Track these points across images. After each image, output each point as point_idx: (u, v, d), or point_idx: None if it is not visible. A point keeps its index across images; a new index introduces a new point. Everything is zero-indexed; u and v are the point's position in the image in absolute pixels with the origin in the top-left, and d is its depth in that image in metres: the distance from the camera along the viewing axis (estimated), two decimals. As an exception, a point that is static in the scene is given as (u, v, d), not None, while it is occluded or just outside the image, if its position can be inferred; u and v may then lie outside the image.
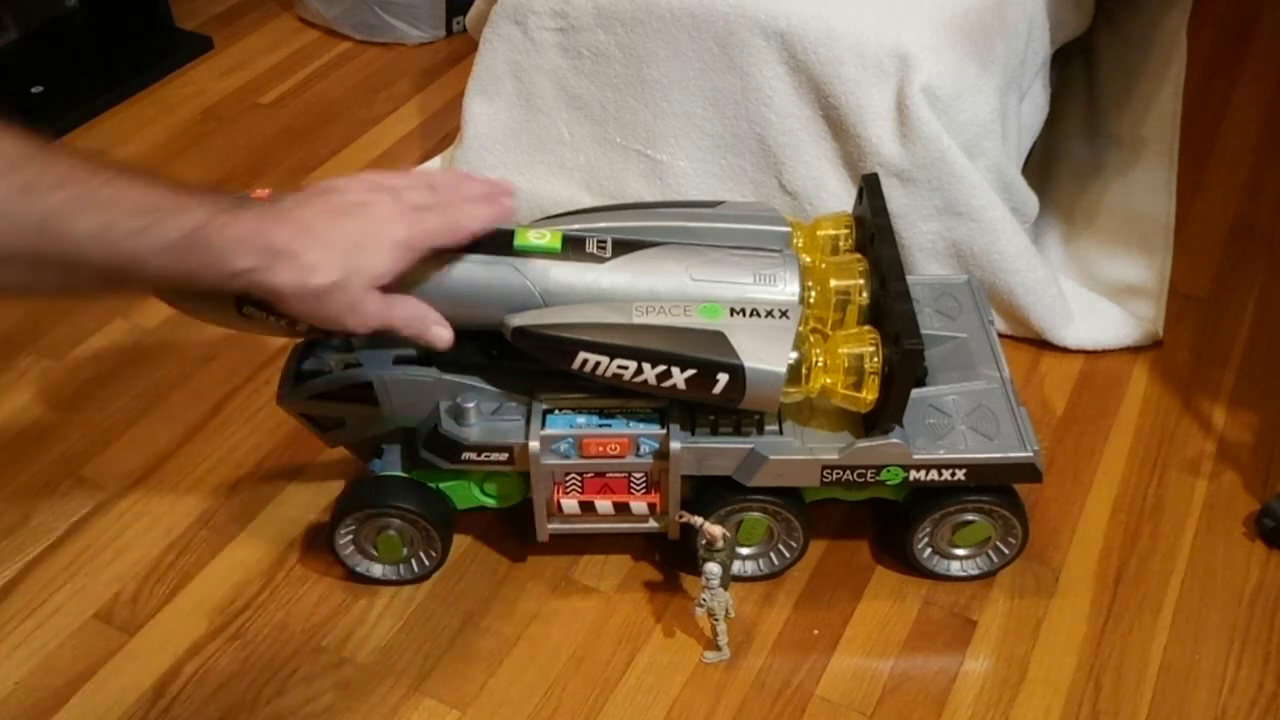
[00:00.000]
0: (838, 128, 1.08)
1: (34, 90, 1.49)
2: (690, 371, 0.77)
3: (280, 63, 1.59)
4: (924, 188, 1.06)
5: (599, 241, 0.82)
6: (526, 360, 0.80)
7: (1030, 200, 1.14)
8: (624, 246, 0.82)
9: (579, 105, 1.19)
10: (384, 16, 1.60)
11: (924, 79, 1.03)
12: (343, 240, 0.67)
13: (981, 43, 1.08)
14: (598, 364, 0.78)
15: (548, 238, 0.81)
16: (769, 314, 0.79)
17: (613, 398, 0.85)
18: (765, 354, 0.77)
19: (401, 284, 0.78)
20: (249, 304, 0.77)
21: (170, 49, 1.60)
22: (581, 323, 0.78)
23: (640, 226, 0.85)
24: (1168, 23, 1.51)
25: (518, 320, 0.79)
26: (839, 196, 1.10)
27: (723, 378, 0.77)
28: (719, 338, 0.77)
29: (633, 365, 0.78)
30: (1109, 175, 1.32)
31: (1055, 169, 1.33)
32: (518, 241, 0.80)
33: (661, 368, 0.77)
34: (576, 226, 0.84)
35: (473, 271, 0.79)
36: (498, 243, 0.80)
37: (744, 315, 0.78)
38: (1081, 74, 1.47)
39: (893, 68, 1.04)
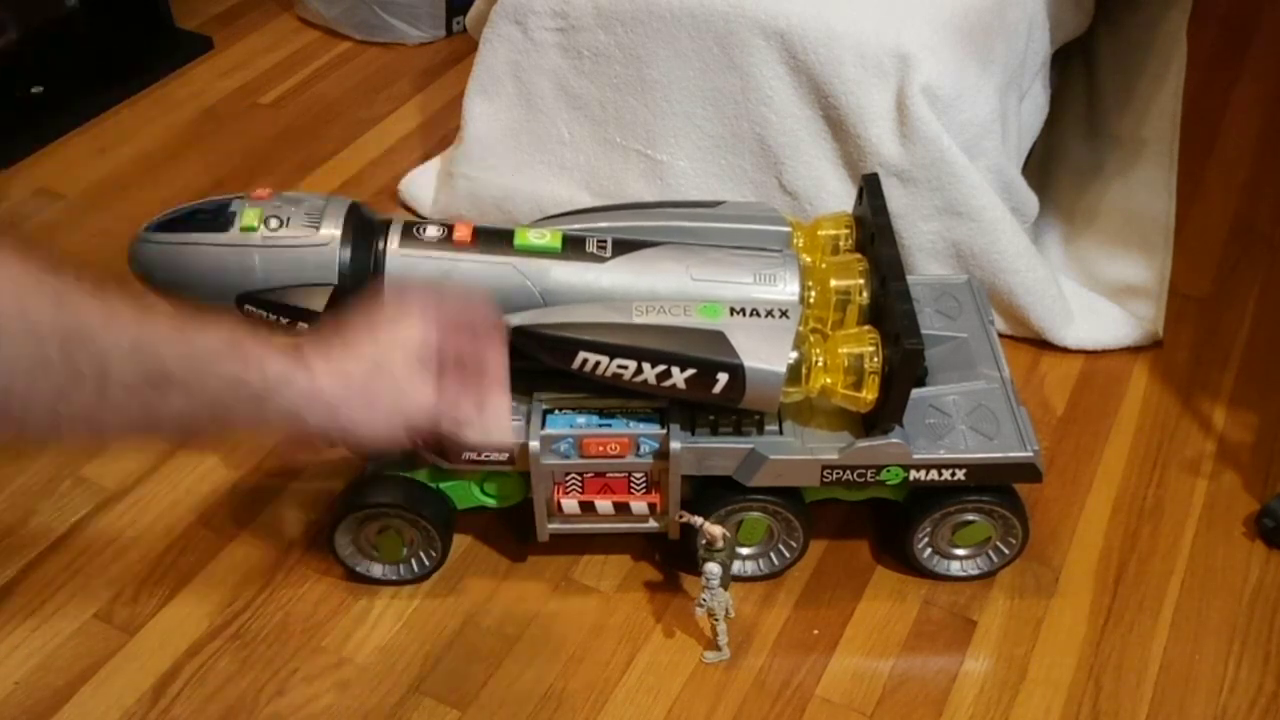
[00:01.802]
0: (838, 128, 1.08)
1: (34, 90, 1.49)
2: (690, 371, 0.77)
3: (280, 63, 1.59)
4: (924, 188, 1.06)
5: (599, 241, 0.82)
6: (526, 359, 0.80)
7: (1030, 200, 1.14)
8: (624, 246, 0.82)
9: (579, 105, 1.19)
10: (384, 16, 1.60)
11: (924, 79, 1.03)
12: (381, 406, 0.65)
13: (981, 43, 1.08)
14: (598, 363, 0.78)
15: (548, 237, 0.81)
16: (769, 314, 0.79)
17: (613, 398, 0.85)
18: (765, 354, 0.77)
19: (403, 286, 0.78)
20: (249, 303, 0.77)
21: (170, 49, 1.60)
22: (581, 322, 0.78)
23: (640, 226, 0.85)
24: (1168, 23, 1.51)
25: (517, 320, 0.79)
26: (839, 196, 1.10)
27: (722, 377, 0.77)
28: (719, 337, 0.77)
29: (632, 365, 0.78)
30: (1109, 175, 1.32)
31: (1055, 169, 1.33)
32: (518, 241, 0.80)
33: (661, 367, 0.77)
34: (576, 226, 0.84)
35: (472, 271, 0.79)
36: (498, 242, 0.80)
37: (744, 315, 0.78)
38: (1081, 74, 1.47)
39: (893, 68, 1.04)
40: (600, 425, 0.84)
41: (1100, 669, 0.87)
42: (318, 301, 0.77)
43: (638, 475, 0.86)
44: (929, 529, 0.89)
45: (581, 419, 0.84)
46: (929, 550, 0.91)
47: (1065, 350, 1.13)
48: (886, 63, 1.04)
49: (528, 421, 0.84)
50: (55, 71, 1.53)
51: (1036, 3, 1.19)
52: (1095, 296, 1.16)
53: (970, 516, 0.88)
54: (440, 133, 1.44)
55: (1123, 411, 1.07)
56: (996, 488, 0.86)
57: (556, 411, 0.84)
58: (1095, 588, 0.92)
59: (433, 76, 1.56)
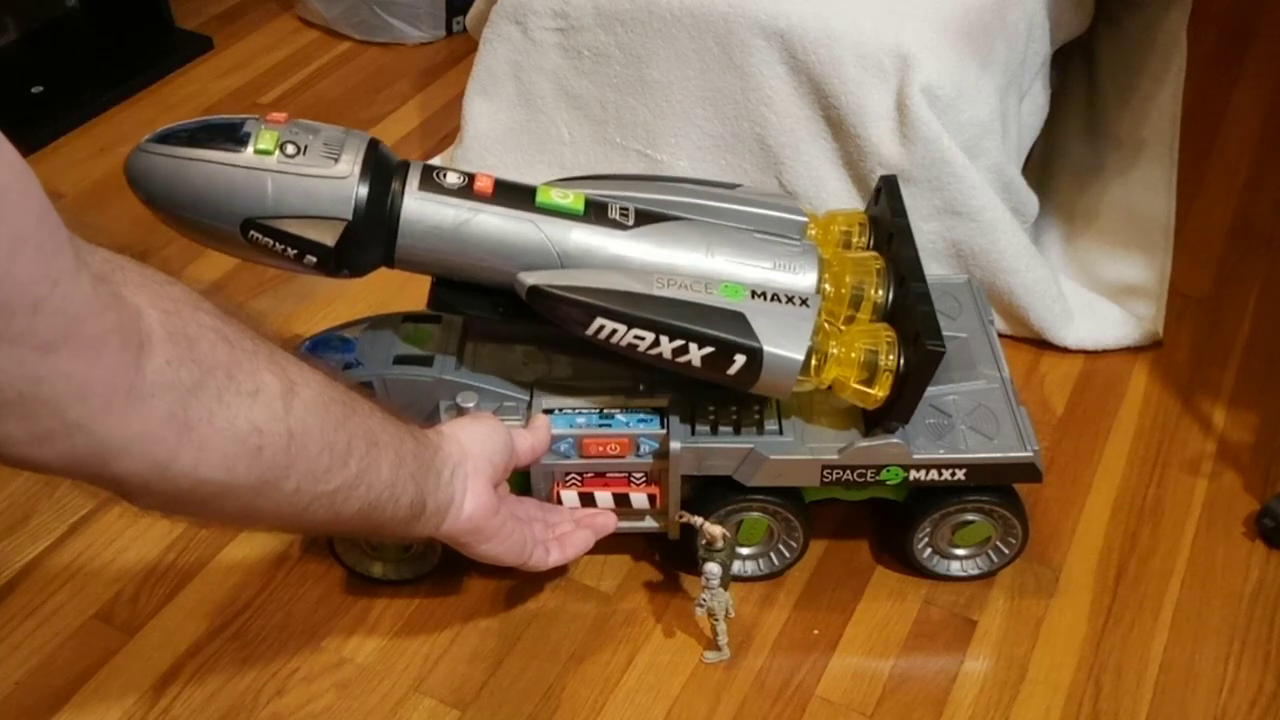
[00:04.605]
0: (838, 128, 1.08)
1: (34, 90, 1.49)
2: (708, 349, 0.76)
3: (280, 63, 1.59)
4: (924, 188, 1.06)
5: (621, 209, 0.80)
6: (533, 319, 0.79)
7: (1030, 200, 1.14)
8: (646, 217, 0.80)
9: (579, 105, 1.19)
10: (384, 16, 1.60)
11: (924, 79, 1.03)
12: (510, 547, 0.79)
13: (981, 43, 1.08)
14: (614, 331, 0.76)
15: (570, 199, 0.79)
16: (789, 300, 0.78)
17: (613, 396, 0.85)
18: (784, 340, 0.76)
19: (419, 234, 0.77)
20: (255, 229, 0.73)
21: (170, 49, 1.60)
22: (602, 288, 0.76)
23: (659, 199, 0.84)
24: (1168, 23, 1.51)
25: (533, 279, 0.77)
26: (839, 196, 1.10)
27: (740, 359, 0.76)
28: (739, 319, 0.76)
29: (650, 337, 0.76)
30: (1109, 175, 1.32)
31: (1055, 169, 1.33)
32: (540, 199, 0.79)
33: (679, 342, 0.76)
34: (595, 192, 0.82)
35: (491, 223, 0.77)
36: (520, 197, 0.78)
37: (765, 299, 0.78)
38: (1081, 74, 1.47)
39: (893, 68, 1.04)
40: (600, 425, 0.84)
41: (1100, 669, 0.87)
42: (329, 236, 0.74)
43: (638, 475, 0.86)
44: (929, 529, 0.89)
45: (581, 419, 0.84)
46: (929, 550, 0.91)
47: (1065, 350, 1.12)
48: (886, 63, 1.04)
49: (528, 423, 0.84)
50: (55, 71, 1.53)
51: (1036, 3, 1.19)
52: (1095, 296, 1.16)
53: (970, 516, 0.88)
54: (440, 133, 1.44)
55: (1123, 411, 1.07)
56: (996, 488, 0.86)
57: (557, 412, 0.84)
58: (1095, 588, 0.92)
59: (433, 76, 1.56)
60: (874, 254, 0.87)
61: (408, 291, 1.18)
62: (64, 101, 1.48)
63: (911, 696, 0.85)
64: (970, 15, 1.09)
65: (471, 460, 0.75)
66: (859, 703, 0.85)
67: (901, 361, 0.79)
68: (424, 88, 1.54)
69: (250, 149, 0.72)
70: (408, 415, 0.77)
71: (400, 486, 0.68)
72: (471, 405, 0.83)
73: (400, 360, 0.85)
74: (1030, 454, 0.83)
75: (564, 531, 0.84)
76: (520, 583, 0.93)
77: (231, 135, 0.73)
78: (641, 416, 0.84)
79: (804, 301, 0.78)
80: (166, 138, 0.73)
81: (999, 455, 0.83)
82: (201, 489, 0.55)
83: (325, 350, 0.86)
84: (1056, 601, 0.91)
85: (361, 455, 0.64)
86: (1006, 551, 0.90)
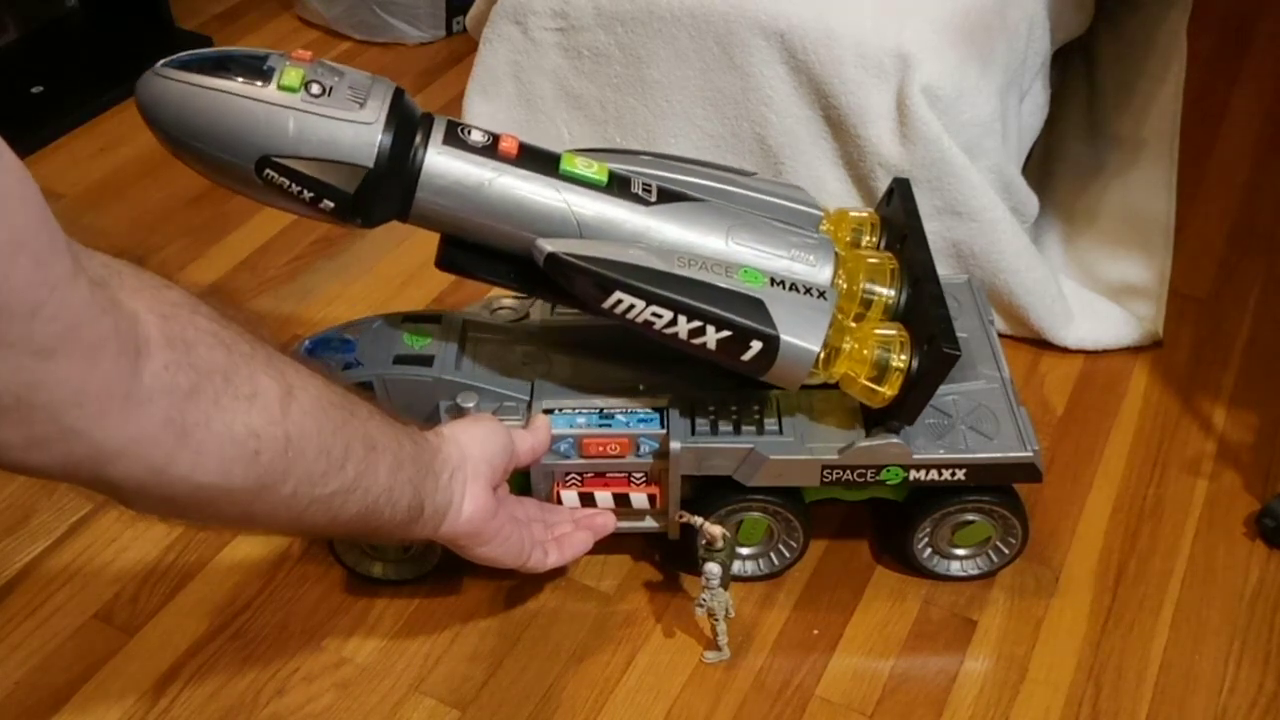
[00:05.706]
0: (838, 128, 1.08)
1: (34, 90, 1.49)
2: (725, 333, 0.76)
3: (280, 63, 1.59)
4: (924, 188, 1.06)
5: (644, 184, 0.80)
6: (542, 285, 0.79)
7: (1030, 200, 1.14)
8: (668, 195, 0.80)
9: (579, 105, 1.19)
10: (384, 16, 1.60)
11: (924, 79, 1.03)
12: (508, 550, 0.80)
13: (982, 43, 1.08)
14: (631, 306, 0.75)
15: (594, 169, 0.78)
16: (807, 291, 0.78)
17: (613, 396, 0.85)
18: (801, 330, 0.76)
19: (439, 189, 0.76)
20: (271, 167, 0.71)
21: (170, 49, 1.57)
22: (624, 262, 0.75)
23: (677, 179, 0.83)
24: (1168, 23, 1.51)
25: (552, 246, 0.76)
26: (839, 196, 1.10)
27: (756, 345, 0.76)
28: (758, 305, 0.76)
29: (668, 315, 0.76)
30: (1109, 175, 1.32)
31: (1055, 169, 1.33)
32: (564, 166, 0.78)
33: (697, 323, 0.76)
34: (616, 166, 0.82)
35: (513, 185, 0.76)
36: (543, 163, 0.78)
37: (784, 288, 0.77)
38: (1081, 74, 1.47)
39: (893, 68, 1.04)
40: (600, 425, 0.84)
41: (1100, 669, 0.87)
42: (347, 182, 0.72)
43: (637, 475, 0.86)
44: (929, 529, 0.89)
45: (581, 419, 0.84)
46: (929, 550, 0.91)
47: (1065, 350, 1.12)
48: (887, 63, 1.04)
49: (528, 423, 0.84)
50: (55, 71, 1.53)
51: (1037, 3, 1.19)
52: (1095, 296, 1.16)
53: (970, 516, 0.88)
54: (440, 133, 1.43)
55: (1123, 411, 1.07)
56: (996, 488, 0.86)
57: (557, 412, 0.84)
58: (1095, 588, 0.92)
59: (433, 76, 1.56)
60: (887, 254, 0.87)
61: (408, 291, 1.19)
62: (64, 101, 1.48)
63: (911, 696, 0.85)
64: (970, 15, 1.09)
65: (470, 463, 0.75)
66: (859, 703, 0.85)
67: (914, 363, 0.79)
68: (424, 88, 1.54)
69: (274, 84, 0.70)
70: (407, 416, 0.77)
71: (398, 490, 0.68)
72: (471, 405, 0.83)
73: (400, 360, 0.85)
74: (1030, 454, 0.83)
75: (563, 533, 0.84)
76: (520, 583, 0.93)
77: (254, 68, 0.71)
78: (641, 416, 0.84)
79: (821, 294, 0.78)
80: (184, 64, 0.71)
81: (999, 455, 0.83)
82: (198, 493, 0.55)
83: (325, 350, 0.86)
84: (1056, 601, 0.91)
85: (359, 459, 0.64)
86: (1006, 551, 0.90)
